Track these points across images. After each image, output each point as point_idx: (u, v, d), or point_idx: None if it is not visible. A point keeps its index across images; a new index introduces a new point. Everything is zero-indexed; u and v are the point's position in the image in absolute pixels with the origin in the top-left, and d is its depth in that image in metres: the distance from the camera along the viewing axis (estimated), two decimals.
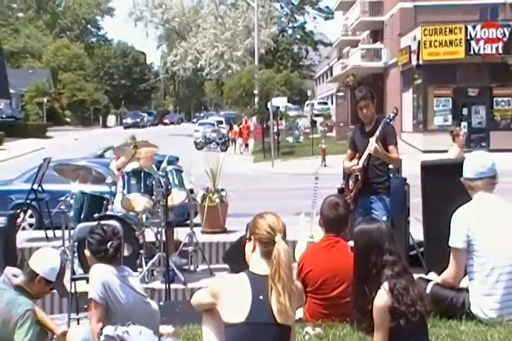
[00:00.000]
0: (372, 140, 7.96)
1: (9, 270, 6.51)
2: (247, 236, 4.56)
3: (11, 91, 68.16)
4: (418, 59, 41.07)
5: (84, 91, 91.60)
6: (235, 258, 7.34)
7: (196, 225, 11.56)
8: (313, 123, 57.44)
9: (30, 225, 14.48)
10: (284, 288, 4.20)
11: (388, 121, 8.11)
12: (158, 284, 9.51)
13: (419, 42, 40.77)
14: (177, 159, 11.12)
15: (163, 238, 9.95)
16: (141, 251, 10.11)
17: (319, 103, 79.56)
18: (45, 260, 6.21)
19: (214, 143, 47.04)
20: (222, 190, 12.72)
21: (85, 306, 6.68)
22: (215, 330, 4.47)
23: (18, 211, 13.10)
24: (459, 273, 5.88)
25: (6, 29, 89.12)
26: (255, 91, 49.64)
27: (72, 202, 10.22)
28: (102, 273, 5.88)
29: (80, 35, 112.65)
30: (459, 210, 5.91)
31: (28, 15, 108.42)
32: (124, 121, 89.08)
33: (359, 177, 8.18)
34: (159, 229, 10.25)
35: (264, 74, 51.90)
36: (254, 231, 4.45)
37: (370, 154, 8.06)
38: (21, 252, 11.30)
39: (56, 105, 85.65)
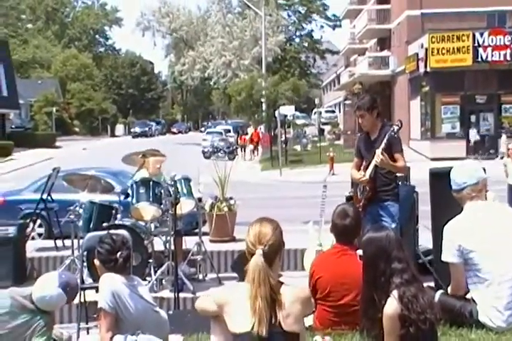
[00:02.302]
0: (378, 152, 7.92)
1: (15, 291, 6.55)
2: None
3: (20, 101, 68.39)
4: (426, 66, 41.05)
5: (93, 100, 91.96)
6: (243, 267, 7.34)
7: (205, 234, 11.57)
8: (321, 131, 57.44)
9: (40, 235, 14.49)
10: (256, 297, 4.25)
11: (393, 134, 8.11)
12: (167, 293, 9.51)
13: (426, 50, 40.77)
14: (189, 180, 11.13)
15: (172, 247, 9.98)
16: (150, 260, 10.09)
17: (327, 111, 79.54)
18: (39, 289, 6.30)
19: (222, 151, 47.05)
20: (231, 198, 12.72)
21: (95, 315, 6.70)
22: (223, 339, 4.49)
23: (28, 221, 13.13)
24: (460, 285, 5.90)
25: (15, 40, 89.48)
26: (263, 100, 49.75)
27: (81, 211, 10.24)
28: (112, 283, 5.90)
29: (88, 45, 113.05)
30: (449, 223, 5.93)
31: (36, 26, 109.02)
32: (132, 130, 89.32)
33: (367, 187, 8.22)
34: (168, 238, 10.25)
35: (270, 80, 52.08)
36: (246, 243, 4.50)
37: (376, 166, 8.09)
38: (31, 262, 11.33)
39: (65, 115, 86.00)
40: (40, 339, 6.13)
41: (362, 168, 8.33)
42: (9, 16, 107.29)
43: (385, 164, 8.00)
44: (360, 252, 5.18)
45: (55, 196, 13.29)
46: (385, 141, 8.04)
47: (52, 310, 6.46)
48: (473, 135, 38.52)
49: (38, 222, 14.06)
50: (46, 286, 6.34)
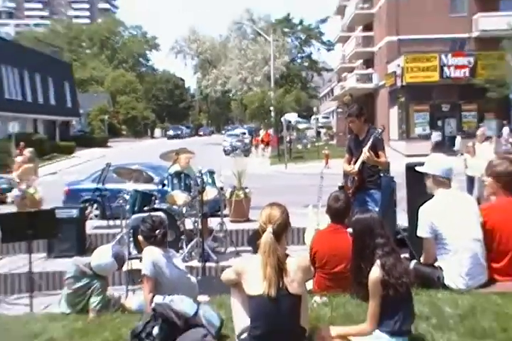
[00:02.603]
0: (365, 150, 8.00)
1: (78, 260, 6.59)
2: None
3: (81, 111, 68.79)
4: (402, 81, 41.11)
5: (136, 109, 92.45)
6: (255, 242, 7.34)
7: (225, 216, 11.60)
8: (318, 133, 57.48)
9: (96, 216, 14.61)
10: (265, 269, 4.27)
11: (377, 136, 8.13)
12: (195, 263, 9.55)
13: (402, 68, 40.85)
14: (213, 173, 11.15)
15: (199, 226, 10.05)
16: (182, 237, 10.21)
17: (323, 117, 79.42)
18: (96, 258, 6.39)
19: (239, 150, 47.00)
20: (246, 187, 12.76)
21: (139, 280, 6.70)
22: (241, 301, 4.49)
23: (87, 205, 13.26)
24: (430, 255, 5.87)
25: (77, 63, 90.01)
26: (271, 108, 49.77)
27: (127, 197, 10.27)
28: (152, 254, 5.93)
29: (132, 66, 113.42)
30: (424, 206, 5.88)
31: (93, 52, 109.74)
32: (167, 133, 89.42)
33: (355, 178, 8.21)
34: (196, 219, 10.30)
35: (277, 93, 52.06)
36: (259, 223, 4.50)
37: (363, 161, 8.09)
38: (89, 237, 11.48)
39: (114, 121, 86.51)
40: (97, 298, 6.21)
41: (352, 162, 8.35)
42: (73, 44, 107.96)
43: (370, 160, 8.05)
44: (350, 230, 5.17)
45: (107, 185, 13.49)
46: (370, 141, 8.07)
47: (106, 275, 6.49)
48: (435, 136, 38.60)
49: (95, 205, 14.19)
50: (102, 256, 6.39)
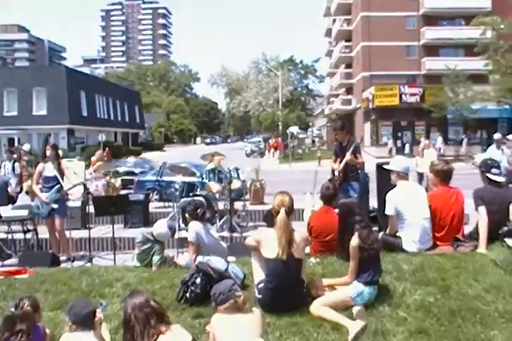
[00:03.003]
0: (348, 153, 7.97)
1: (143, 231, 6.60)
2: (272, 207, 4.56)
3: (145, 125, 69.02)
4: (372, 105, 40.96)
5: (183, 124, 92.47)
6: (269, 219, 7.30)
7: (246, 200, 11.54)
8: (313, 141, 57.26)
9: (156, 199, 14.54)
10: (280, 239, 4.25)
11: (357, 144, 8.12)
12: (225, 233, 9.49)
13: (373, 95, 40.68)
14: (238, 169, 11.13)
15: (228, 207, 10.00)
16: (216, 215, 10.14)
17: (317, 130, 79.19)
18: (156, 229, 6.35)
19: (256, 153, 46.92)
20: (261, 179, 12.70)
21: (186, 245, 6.68)
22: (258, 261, 4.47)
23: (150, 191, 13.24)
24: (393, 228, 5.82)
25: (143, 92, 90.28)
26: (279, 123, 49.73)
27: (177, 187, 10.26)
28: (195, 227, 5.91)
29: (181, 93, 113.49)
30: (390, 193, 5.83)
31: (154, 84, 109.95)
32: (205, 141, 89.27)
33: (340, 173, 8.14)
34: (226, 202, 10.26)
35: (284, 112, 51.99)
36: (273, 206, 4.48)
37: (346, 162, 8.04)
38: (151, 214, 11.45)
39: (168, 133, 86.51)
40: (157, 256, 6.18)
41: (337, 162, 8.28)
42: (141, 79, 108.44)
43: (351, 161, 8.03)
44: (337, 211, 5.12)
45: (163, 178, 13.44)
46: (352, 147, 8.02)
47: (163, 241, 6.47)
48: (389, 144, 38.51)
49: (155, 192, 14.17)
50: (160, 227, 6.38)
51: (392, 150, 37.13)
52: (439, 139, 33.95)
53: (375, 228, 6.55)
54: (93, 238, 8.88)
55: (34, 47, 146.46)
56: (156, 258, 6.16)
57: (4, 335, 3.49)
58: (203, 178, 10.88)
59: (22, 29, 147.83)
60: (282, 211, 4.34)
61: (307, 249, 5.30)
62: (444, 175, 6.01)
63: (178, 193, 10.15)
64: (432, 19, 44.87)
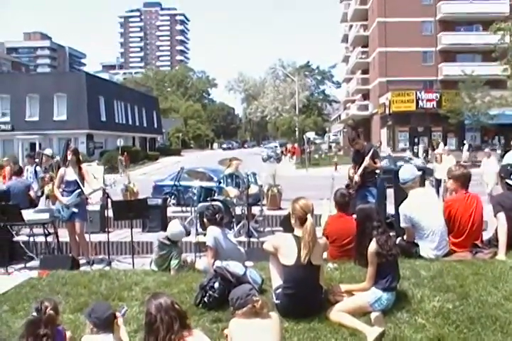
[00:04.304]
0: (367, 158, 7.93)
1: (160, 235, 6.62)
2: (291, 212, 4.51)
3: (163, 130, 69.38)
4: (389, 110, 40.77)
5: (200, 129, 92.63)
6: (286, 224, 7.28)
7: (263, 205, 11.51)
8: (330, 147, 57.02)
9: (173, 204, 14.53)
10: (306, 244, 4.19)
11: (375, 149, 8.15)
12: (242, 238, 9.43)
13: (389, 101, 40.52)
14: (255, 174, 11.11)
15: (246, 212, 9.98)
16: (233, 220, 10.10)
17: (333, 135, 78.75)
18: (170, 229, 6.39)
19: (272, 158, 46.86)
20: (278, 185, 12.66)
21: (204, 249, 6.69)
22: (276, 266, 4.43)
23: (167, 196, 13.24)
24: (411, 237, 5.77)
25: (161, 97, 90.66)
26: (296, 129, 49.69)
27: (195, 191, 10.27)
28: (214, 232, 5.92)
29: (198, 99, 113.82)
30: (402, 205, 5.78)
31: (172, 90, 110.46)
32: (222, 146, 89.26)
33: (357, 180, 8.09)
34: (243, 207, 10.22)
35: (300, 118, 51.91)
36: (293, 211, 4.42)
37: (365, 167, 8.00)
38: (169, 218, 11.34)
39: (186, 137, 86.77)
40: (175, 261, 6.20)
41: (355, 169, 8.24)
42: (159, 85, 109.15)
43: (370, 165, 8.01)
44: (354, 216, 5.09)
45: (181, 183, 13.40)
46: (371, 152, 8.00)
47: (179, 241, 6.48)
48: (408, 150, 38.25)
49: (172, 197, 14.16)
50: (174, 227, 6.39)
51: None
52: (465, 147, 33.44)
53: (392, 233, 6.50)
54: (112, 242, 8.93)
55: (55, 54, 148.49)
56: (174, 263, 6.17)
57: (28, 339, 3.47)
58: (220, 183, 10.89)
59: (44, 36, 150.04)
60: (309, 217, 4.30)
61: (324, 255, 5.28)
62: (463, 180, 5.94)
63: (195, 198, 10.15)
64: (449, 24, 44.60)
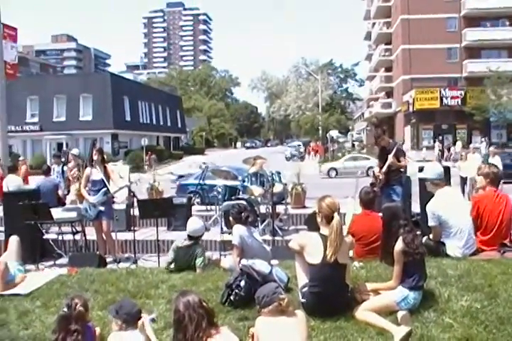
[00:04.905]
0: (390, 156, 7.87)
1: (178, 241, 6.65)
2: (317, 211, 4.48)
3: (187, 129, 69.74)
4: (413, 108, 40.35)
5: (224, 128, 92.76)
6: (310, 223, 7.25)
7: (288, 203, 11.46)
8: (353, 145, 56.68)
9: (197, 202, 14.55)
10: (333, 243, 4.16)
11: (399, 147, 8.09)
12: (267, 237, 9.39)
13: (413, 99, 40.12)
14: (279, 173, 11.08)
15: (270, 211, 9.95)
16: (258, 218, 10.07)
17: (356, 133, 78.18)
18: (190, 225, 6.42)
19: (296, 157, 46.69)
20: (302, 183, 12.60)
21: (229, 248, 6.71)
22: (302, 265, 4.41)
23: (192, 195, 13.27)
24: (437, 236, 5.71)
25: (185, 97, 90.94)
26: (320, 127, 49.51)
27: (220, 190, 10.29)
28: (239, 230, 5.91)
29: (222, 98, 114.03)
30: (429, 204, 5.73)
31: (195, 89, 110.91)
32: (245, 145, 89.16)
33: (383, 177, 8.04)
34: (268, 206, 10.18)
35: (323, 116, 51.67)
36: (320, 210, 4.39)
37: (389, 165, 7.93)
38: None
39: (209, 137, 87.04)
40: (200, 259, 6.21)
41: (380, 167, 8.20)
42: (182, 84, 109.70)
43: (394, 163, 7.93)
44: (380, 214, 5.05)
45: (205, 181, 13.36)
46: (394, 150, 7.93)
47: (200, 239, 6.50)
48: (437, 147, 37.70)
49: (196, 195, 14.16)
50: (194, 223, 6.41)
51: (440, 153, 36.27)
52: (483, 144, 32.96)
53: (418, 232, 6.44)
54: (137, 240, 9.01)
55: (81, 55, 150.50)
56: (199, 261, 6.19)
57: (60, 334, 3.58)
58: (244, 181, 10.90)
59: (70, 38, 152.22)
60: (336, 215, 4.27)
61: (350, 253, 5.26)
62: (493, 178, 5.92)
63: (220, 197, 10.17)
64: (474, 20, 43.91)
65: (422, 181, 6.57)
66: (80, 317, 3.62)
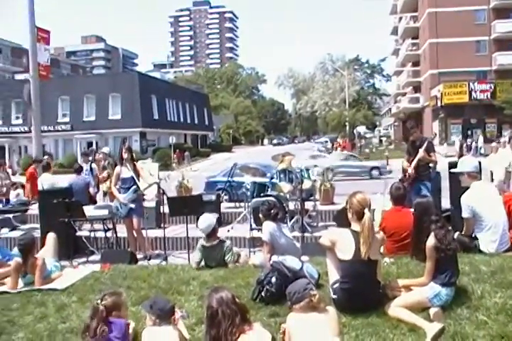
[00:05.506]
0: (421, 150, 7.78)
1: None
2: (347, 207, 4.45)
3: (214, 127, 69.99)
4: (441, 102, 39.75)
5: (251, 125, 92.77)
6: (339, 219, 7.21)
7: (316, 200, 11.41)
8: (380, 141, 56.14)
9: (226, 200, 14.55)
10: (366, 239, 4.12)
11: (430, 140, 7.95)
12: (296, 233, 9.24)
13: (441, 93, 39.51)
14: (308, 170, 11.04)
15: (299, 207, 9.92)
16: (287, 215, 10.03)
17: (383, 129, 77.52)
18: (201, 222, 6.41)
19: (323, 153, 46.32)
20: (331, 179, 12.54)
21: (258, 244, 6.71)
22: (333, 261, 4.39)
23: (220, 192, 13.30)
24: (470, 229, 5.65)
25: (212, 95, 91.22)
26: (347, 123, 49.16)
27: (248, 187, 10.30)
28: (270, 226, 5.92)
29: (248, 95, 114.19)
30: (464, 195, 5.65)
31: (222, 86, 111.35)
32: (273, 141, 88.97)
33: (412, 173, 7.95)
34: (297, 203, 10.13)
35: (350, 112, 51.26)
36: (351, 206, 4.35)
37: (419, 159, 7.83)
38: (223, 215, 11.39)
39: (236, 134, 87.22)
40: (229, 253, 6.26)
41: (409, 162, 8.09)
42: (209, 82, 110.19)
43: (424, 158, 7.86)
44: (412, 210, 5.00)
45: (234, 179, 13.40)
46: (425, 144, 7.86)
47: (215, 231, 6.45)
48: (458, 142, 37.10)
49: (224, 193, 14.14)
50: (207, 220, 6.41)
51: (462, 148, 35.71)
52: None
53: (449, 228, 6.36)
54: (167, 237, 9.09)
55: (110, 56, 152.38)
56: (228, 256, 6.23)
57: (92, 323, 3.69)
58: (272, 178, 10.87)
59: (99, 39, 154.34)
60: (367, 211, 4.23)
61: (381, 249, 5.22)
62: None
63: (249, 193, 10.17)
64: (504, 12, 42.93)
65: (454, 175, 6.48)
66: (110, 310, 3.71)
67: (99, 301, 3.78)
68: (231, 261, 6.22)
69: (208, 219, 6.49)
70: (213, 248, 6.26)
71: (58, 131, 45.38)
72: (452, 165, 6.96)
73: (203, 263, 6.32)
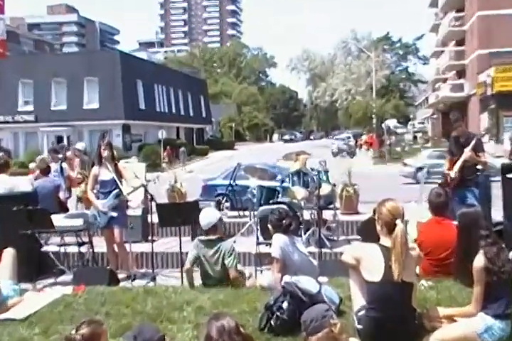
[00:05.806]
0: (467, 150, 7.76)
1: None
2: (376, 217, 4.46)
3: (213, 119, 70.13)
4: (492, 90, 39.63)
5: (257, 118, 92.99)
6: (365, 232, 7.21)
7: (337, 208, 11.42)
8: (415, 137, 56.12)
9: (227, 208, 14.52)
10: (398, 257, 4.11)
11: (479, 137, 7.94)
12: (312, 248, 9.26)
13: (492, 78, 39.37)
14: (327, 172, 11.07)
15: (316, 217, 9.93)
16: (301, 226, 10.02)
17: (419, 123, 77.45)
18: (201, 218, 6.61)
19: (345, 152, 46.39)
20: (355, 184, 12.55)
21: (266, 262, 6.73)
22: (358, 283, 4.40)
23: (221, 198, 13.30)
24: None
25: (210, 80, 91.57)
26: (373, 116, 49.14)
27: (255, 192, 10.32)
28: (281, 240, 5.93)
29: (255, 81, 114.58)
30: None
31: (223, 71, 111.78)
32: (283, 137, 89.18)
33: (455, 177, 7.93)
34: (313, 211, 10.10)
35: (379, 102, 51.26)
36: (379, 216, 4.36)
37: (465, 160, 7.83)
38: (224, 226, 11.36)
39: (240, 128, 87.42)
40: (229, 257, 6.35)
41: (451, 164, 8.10)
42: (207, 65, 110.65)
43: (471, 158, 7.84)
44: (455, 222, 5.00)
45: (237, 182, 13.36)
46: (473, 142, 7.85)
47: (219, 229, 6.63)
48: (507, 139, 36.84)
49: (224, 199, 14.11)
50: (209, 215, 6.60)
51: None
52: None
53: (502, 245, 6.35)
54: (156, 252, 9.11)
55: (84, 30, 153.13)
56: (230, 260, 6.30)
57: None
58: (283, 182, 10.90)
59: (70, 9, 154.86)
60: (399, 222, 4.23)
61: (416, 269, 5.22)
62: None
63: (255, 200, 10.20)
64: None
65: (509, 181, 6.45)
66: None
67: (73, 331, 3.76)
68: (232, 265, 6.28)
69: (209, 215, 6.63)
70: (210, 243, 6.40)
71: (19, 122, 45.66)
72: (506, 168, 6.95)
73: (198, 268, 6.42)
